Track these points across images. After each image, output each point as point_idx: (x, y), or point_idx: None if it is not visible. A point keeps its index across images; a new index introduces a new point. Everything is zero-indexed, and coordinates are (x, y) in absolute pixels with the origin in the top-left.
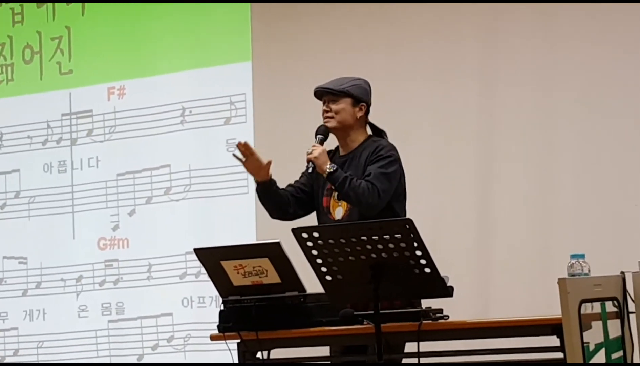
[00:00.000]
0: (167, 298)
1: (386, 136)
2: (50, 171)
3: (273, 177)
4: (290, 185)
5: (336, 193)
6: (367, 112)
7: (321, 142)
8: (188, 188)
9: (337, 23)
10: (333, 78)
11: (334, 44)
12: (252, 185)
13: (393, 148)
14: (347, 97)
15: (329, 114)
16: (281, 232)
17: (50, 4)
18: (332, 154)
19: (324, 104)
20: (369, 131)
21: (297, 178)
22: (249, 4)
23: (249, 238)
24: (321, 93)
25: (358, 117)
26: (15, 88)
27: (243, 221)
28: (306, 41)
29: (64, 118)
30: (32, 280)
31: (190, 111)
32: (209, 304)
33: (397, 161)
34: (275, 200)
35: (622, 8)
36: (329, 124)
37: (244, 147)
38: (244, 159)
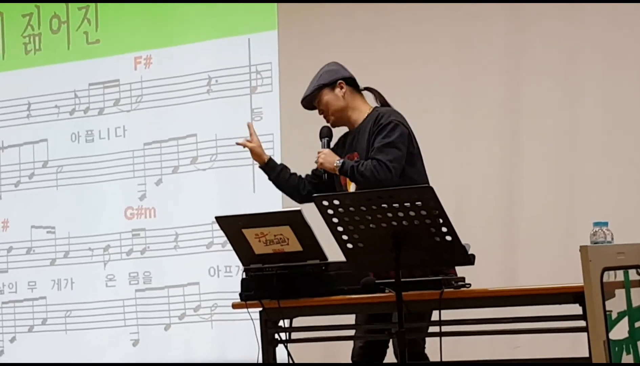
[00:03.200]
0: (193, 268)
1: (385, 105)
2: (78, 140)
3: (301, 147)
4: (313, 171)
5: None
6: (352, 85)
7: (326, 145)
8: (214, 157)
9: None
10: (356, 45)
11: (359, 11)
12: (278, 153)
13: (393, 113)
14: (322, 89)
15: (323, 114)
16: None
17: None
18: (343, 136)
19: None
20: (374, 103)
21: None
22: None
23: (275, 207)
24: (306, 104)
25: (343, 95)
26: (42, 58)
27: (269, 190)
28: (332, 9)
29: (91, 88)
30: (60, 250)
31: (217, 80)
32: (236, 273)
33: (399, 125)
34: (283, 185)
35: None
36: (329, 123)
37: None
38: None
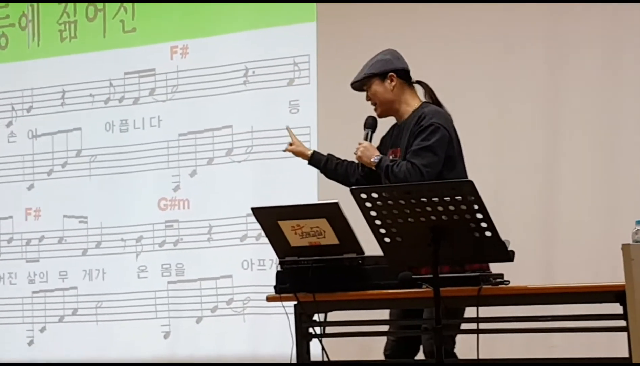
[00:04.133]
0: (227, 260)
1: (433, 103)
2: (112, 130)
3: (338, 140)
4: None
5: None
6: (404, 77)
7: (368, 137)
8: (250, 149)
9: None
10: (395, 39)
11: (398, 5)
12: (314, 146)
13: (436, 114)
14: (373, 78)
15: (372, 102)
16: (342, 193)
17: None
18: (392, 127)
19: None
20: (422, 97)
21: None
22: None
23: (310, 200)
24: (356, 87)
25: (393, 88)
26: (78, 46)
27: (304, 182)
28: (371, 2)
29: (126, 77)
30: (92, 240)
31: (254, 72)
32: (269, 267)
33: (439, 128)
34: (332, 176)
35: None
36: (377, 112)
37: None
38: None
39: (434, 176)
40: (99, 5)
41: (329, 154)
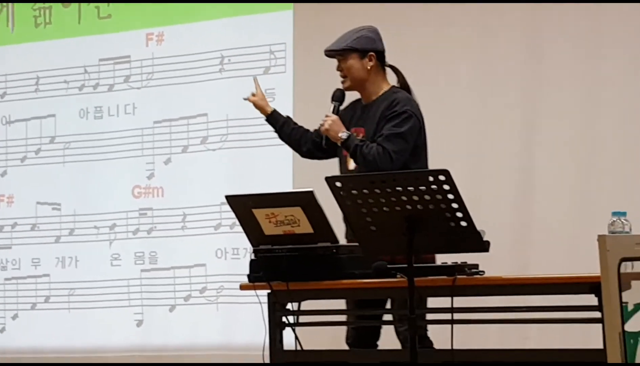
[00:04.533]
0: (200, 249)
1: (404, 89)
2: (87, 116)
3: (313, 127)
4: (317, 130)
5: None
6: (380, 59)
7: (335, 110)
8: (225, 137)
9: None
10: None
11: None
12: None
13: (409, 102)
14: (353, 52)
15: (342, 75)
16: (317, 182)
17: None
18: (354, 104)
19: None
20: (392, 82)
21: None
22: None
23: (285, 188)
24: (330, 55)
25: (369, 68)
26: (52, 32)
27: (280, 171)
28: None
29: (101, 63)
30: (65, 227)
31: (229, 60)
32: (243, 256)
33: (412, 116)
34: (286, 138)
35: None
36: (343, 85)
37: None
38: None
39: (401, 163)
40: None
41: (287, 117)
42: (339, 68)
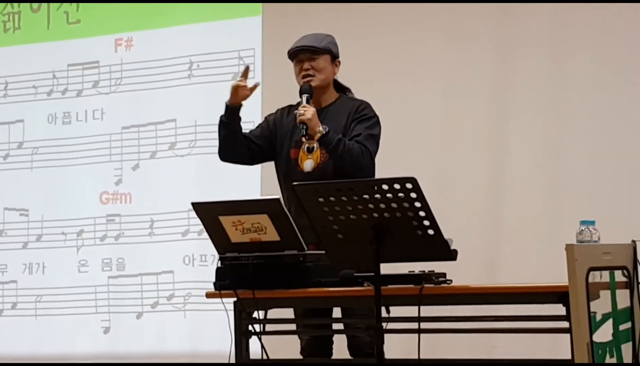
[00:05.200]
0: (168, 255)
1: (351, 93)
2: (55, 122)
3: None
4: (244, 135)
5: (306, 146)
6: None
7: (308, 102)
8: (193, 143)
9: None
10: (340, 32)
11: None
12: None
13: (372, 109)
14: (328, 54)
15: (310, 72)
16: None
17: None
18: (289, 108)
19: (299, 62)
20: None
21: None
22: None
23: (253, 195)
24: (298, 52)
25: (335, 73)
26: (21, 37)
27: (248, 178)
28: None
29: (70, 68)
30: (32, 233)
31: (198, 65)
32: (211, 262)
33: (379, 121)
34: (236, 133)
35: None
36: (313, 83)
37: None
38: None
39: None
40: None
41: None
42: (305, 66)
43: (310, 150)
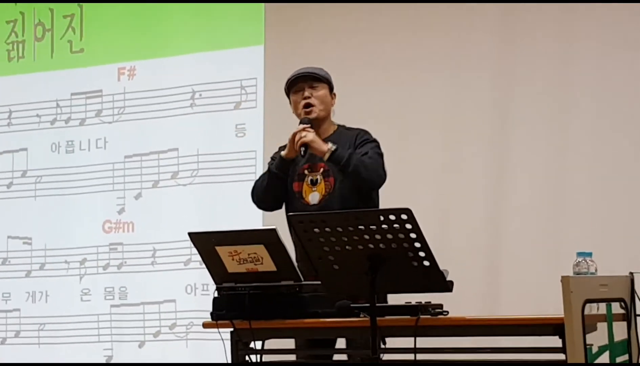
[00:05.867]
0: (170, 284)
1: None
2: (58, 150)
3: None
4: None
5: (309, 178)
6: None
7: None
8: (196, 172)
9: (350, 9)
10: (344, 65)
11: (346, 29)
12: (260, 170)
13: (370, 134)
14: (327, 84)
15: (311, 101)
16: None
17: None
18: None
19: (299, 91)
20: None
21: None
22: None
23: (255, 225)
24: (299, 79)
25: (333, 105)
26: (25, 66)
27: (250, 207)
28: (319, 26)
29: (73, 97)
30: (36, 261)
31: (200, 94)
32: (213, 292)
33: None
34: (279, 188)
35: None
36: (312, 116)
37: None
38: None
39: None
40: (47, 25)
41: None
42: (306, 93)
43: (314, 183)
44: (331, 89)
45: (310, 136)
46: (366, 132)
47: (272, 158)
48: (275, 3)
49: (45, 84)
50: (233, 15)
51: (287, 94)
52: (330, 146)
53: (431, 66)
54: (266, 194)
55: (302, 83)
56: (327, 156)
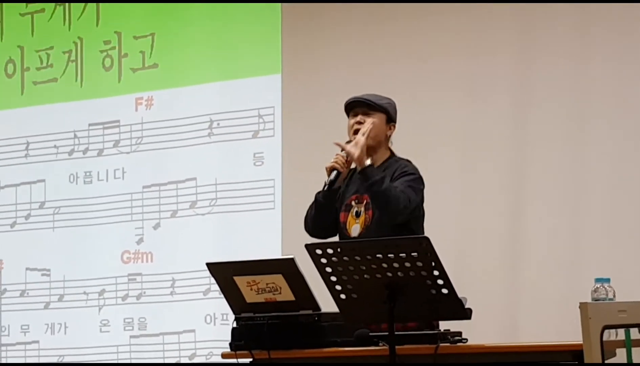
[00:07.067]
0: (190, 314)
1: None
2: (76, 181)
3: (302, 193)
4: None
5: (355, 210)
6: (392, 133)
7: (335, 178)
8: (214, 202)
9: (367, 36)
10: (363, 92)
11: (363, 57)
12: (279, 199)
13: (416, 169)
14: (383, 113)
15: (358, 128)
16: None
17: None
18: (352, 172)
19: (354, 115)
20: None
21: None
22: (280, 17)
23: (274, 254)
24: (354, 105)
25: (387, 136)
26: (43, 96)
27: (269, 236)
28: (336, 54)
29: (91, 128)
30: (54, 293)
31: (218, 124)
32: (232, 322)
33: (422, 181)
34: (329, 216)
35: None
36: (358, 136)
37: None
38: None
39: (408, 215)
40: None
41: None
42: (359, 119)
43: (358, 214)
44: (389, 119)
45: (353, 149)
46: (409, 164)
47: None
48: (292, 30)
49: (63, 115)
50: (250, 44)
51: (347, 113)
52: (367, 162)
53: (449, 90)
54: (314, 223)
55: (358, 108)
56: (359, 168)
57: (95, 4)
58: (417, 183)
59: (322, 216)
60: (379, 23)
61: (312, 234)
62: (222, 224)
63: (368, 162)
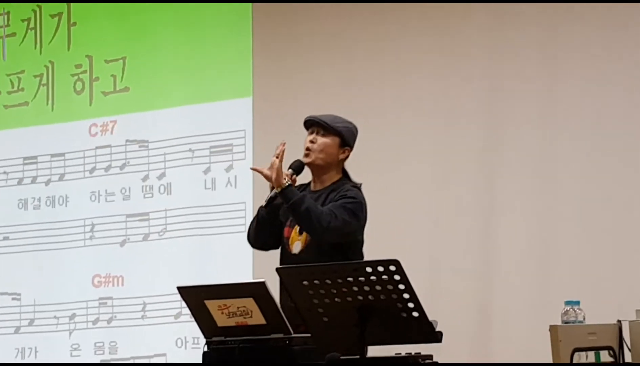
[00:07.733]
0: (161, 338)
1: (359, 188)
2: (49, 204)
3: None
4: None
5: (299, 227)
6: (346, 157)
7: (293, 175)
8: (185, 225)
9: (339, 59)
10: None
11: (335, 80)
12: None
13: (359, 194)
14: (337, 136)
15: (310, 146)
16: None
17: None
18: (303, 188)
19: (310, 134)
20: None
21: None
22: (251, 40)
23: (245, 277)
24: (312, 123)
25: (340, 159)
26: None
27: (240, 260)
28: (307, 78)
29: (67, 150)
30: (25, 317)
31: (190, 147)
32: (203, 346)
33: (361, 204)
34: (270, 227)
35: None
36: (308, 157)
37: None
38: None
39: (343, 234)
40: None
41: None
42: (311, 138)
43: (301, 231)
44: (344, 142)
45: (267, 171)
46: (351, 190)
47: None
48: (263, 54)
49: (19, 141)
50: (221, 68)
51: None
52: (285, 182)
53: (421, 114)
54: (255, 236)
55: (315, 126)
56: (279, 189)
57: (66, 28)
58: (355, 206)
59: (264, 230)
60: (349, 47)
61: (253, 246)
62: (194, 247)
63: (286, 182)
